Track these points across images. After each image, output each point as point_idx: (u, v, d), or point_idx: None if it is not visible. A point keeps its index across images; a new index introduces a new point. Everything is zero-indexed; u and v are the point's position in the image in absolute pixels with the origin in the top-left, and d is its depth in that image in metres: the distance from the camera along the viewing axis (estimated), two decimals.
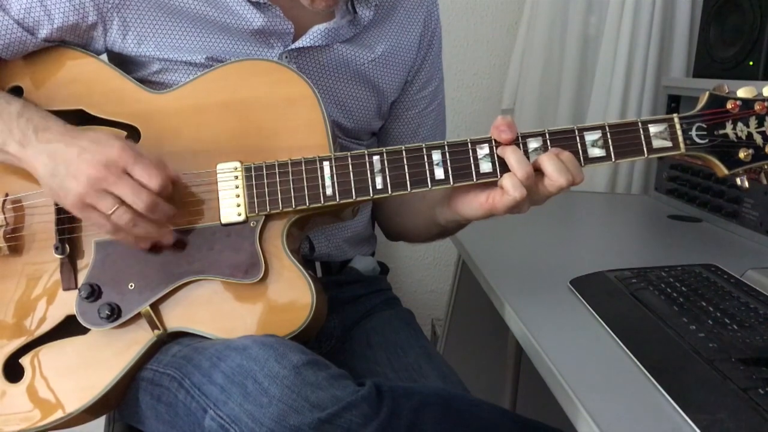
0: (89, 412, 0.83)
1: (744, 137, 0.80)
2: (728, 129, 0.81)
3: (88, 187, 0.77)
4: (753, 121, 0.80)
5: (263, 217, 0.83)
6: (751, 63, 1.37)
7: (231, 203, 0.83)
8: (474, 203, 0.85)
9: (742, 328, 0.76)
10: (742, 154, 0.80)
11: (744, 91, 0.81)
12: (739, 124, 0.81)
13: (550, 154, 0.79)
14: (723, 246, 1.25)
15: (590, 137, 0.81)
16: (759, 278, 0.94)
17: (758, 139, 0.80)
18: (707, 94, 0.82)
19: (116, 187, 0.77)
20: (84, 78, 0.89)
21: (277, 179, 0.82)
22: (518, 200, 0.80)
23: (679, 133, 0.81)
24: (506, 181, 0.79)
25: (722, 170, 0.81)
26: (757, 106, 0.80)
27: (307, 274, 0.82)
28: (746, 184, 0.82)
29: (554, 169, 0.78)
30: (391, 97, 1.05)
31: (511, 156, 0.80)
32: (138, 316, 0.83)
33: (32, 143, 0.80)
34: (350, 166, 0.82)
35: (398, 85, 1.05)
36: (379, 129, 1.10)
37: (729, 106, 0.81)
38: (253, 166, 0.83)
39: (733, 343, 0.72)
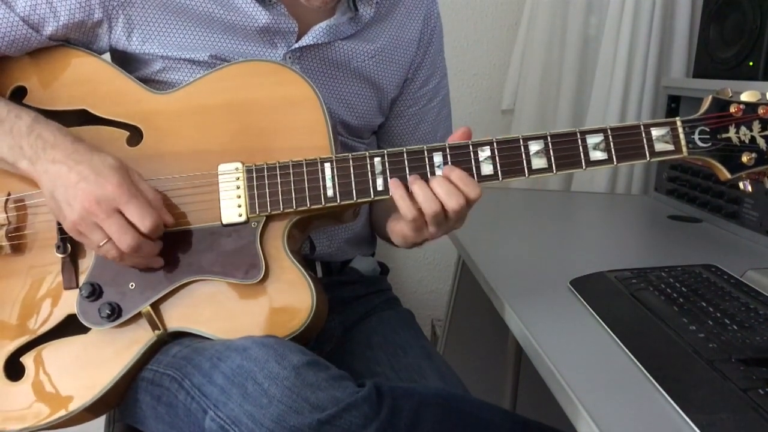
0: (89, 411, 0.83)
1: (747, 141, 0.80)
2: (731, 133, 0.80)
3: (79, 218, 0.78)
4: (756, 125, 0.80)
5: (264, 217, 0.83)
6: (751, 63, 1.37)
7: (232, 204, 0.83)
8: (394, 234, 0.88)
9: (742, 328, 0.76)
10: (745, 158, 0.80)
11: (748, 95, 0.80)
12: (743, 128, 0.80)
13: (439, 179, 0.79)
14: (723, 246, 1.25)
15: (592, 140, 0.81)
16: (759, 278, 0.94)
17: (761, 143, 0.80)
18: (710, 97, 0.81)
19: (104, 224, 0.78)
20: (87, 78, 0.90)
21: (278, 180, 0.83)
22: (413, 219, 0.80)
23: (682, 136, 0.81)
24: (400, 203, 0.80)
25: (725, 174, 0.81)
26: (761, 110, 0.80)
27: (307, 275, 0.82)
28: (749, 188, 0.82)
29: (445, 193, 0.79)
30: (391, 93, 1.06)
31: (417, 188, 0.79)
32: (138, 315, 0.83)
33: (41, 160, 0.81)
34: (351, 168, 0.82)
35: (398, 82, 1.06)
36: (379, 126, 1.10)
37: (732, 109, 0.80)
38: (254, 167, 0.83)
39: (733, 344, 0.72)
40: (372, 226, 1.13)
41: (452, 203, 0.79)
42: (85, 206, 0.77)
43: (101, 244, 0.79)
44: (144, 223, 0.78)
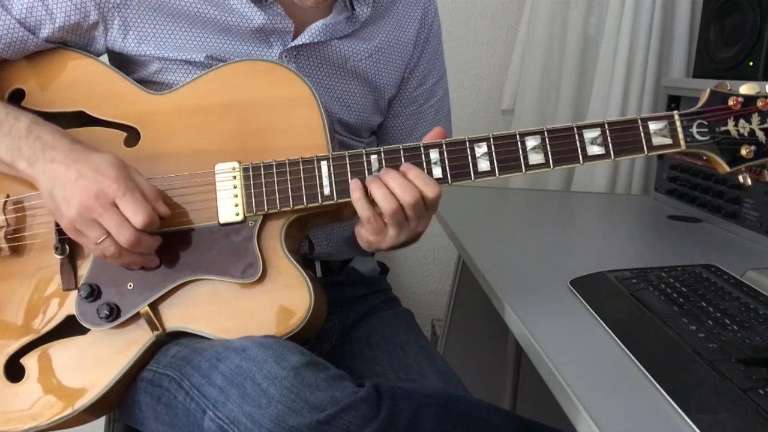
0: (89, 412, 0.83)
1: (746, 134, 0.80)
2: (730, 126, 0.80)
3: (77, 214, 0.78)
4: (755, 118, 0.80)
5: (261, 216, 0.83)
6: (751, 63, 1.37)
7: (229, 203, 0.83)
8: (360, 239, 0.86)
9: (742, 328, 0.76)
10: (744, 151, 0.80)
11: (746, 88, 0.80)
12: (741, 121, 0.80)
13: (393, 174, 0.79)
14: (723, 246, 1.25)
15: (589, 135, 0.81)
16: (759, 278, 0.94)
17: (761, 135, 0.80)
18: (708, 90, 0.81)
19: (102, 218, 0.77)
20: (84, 80, 0.90)
21: (275, 179, 0.82)
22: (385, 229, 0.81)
23: (680, 130, 0.80)
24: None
25: (724, 167, 0.81)
26: (759, 103, 0.80)
27: (305, 275, 0.82)
28: (749, 181, 0.82)
29: (399, 186, 0.78)
30: (388, 93, 1.05)
31: (377, 192, 0.79)
32: (137, 316, 0.83)
33: (39, 161, 0.81)
34: (348, 166, 0.82)
35: (395, 81, 1.05)
36: (379, 126, 1.10)
37: (731, 102, 0.80)
38: (251, 166, 0.83)
39: (733, 344, 0.72)
40: None
41: (407, 197, 0.78)
42: (83, 202, 0.77)
43: (99, 240, 0.78)
44: (136, 218, 0.77)
